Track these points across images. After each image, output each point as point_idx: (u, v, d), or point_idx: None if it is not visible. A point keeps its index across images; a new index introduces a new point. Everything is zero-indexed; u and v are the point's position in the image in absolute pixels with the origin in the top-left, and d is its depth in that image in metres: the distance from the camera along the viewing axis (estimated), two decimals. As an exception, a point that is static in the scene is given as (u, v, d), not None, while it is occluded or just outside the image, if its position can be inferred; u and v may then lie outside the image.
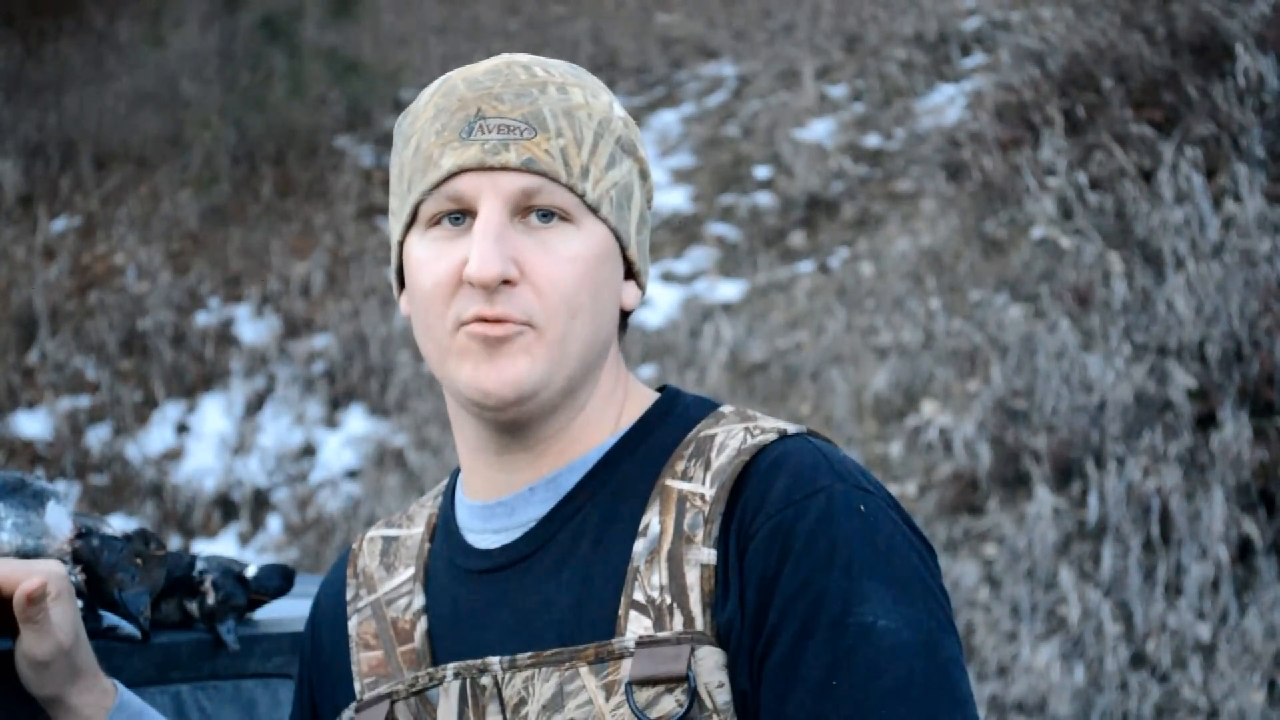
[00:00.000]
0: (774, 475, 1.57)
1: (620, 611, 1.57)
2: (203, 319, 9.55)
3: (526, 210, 1.61)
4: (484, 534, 1.67)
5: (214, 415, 9.05)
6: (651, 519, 1.59)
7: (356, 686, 1.71)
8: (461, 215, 1.61)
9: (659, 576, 1.57)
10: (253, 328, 9.46)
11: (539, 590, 1.61)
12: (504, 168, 1.59)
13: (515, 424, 1.63)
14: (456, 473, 1.75)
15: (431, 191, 1.62)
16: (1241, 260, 7.31)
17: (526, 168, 1.59)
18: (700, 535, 1.57)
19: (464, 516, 1.69)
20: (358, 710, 1.70)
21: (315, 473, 8.66)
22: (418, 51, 11.33)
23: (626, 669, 1.55)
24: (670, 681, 1.54)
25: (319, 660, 1.77)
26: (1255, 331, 7.00)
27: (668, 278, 8.86)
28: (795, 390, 7.93)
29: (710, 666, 1.54)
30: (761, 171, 9.38)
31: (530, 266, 1.59)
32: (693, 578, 1.56)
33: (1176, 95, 8.29)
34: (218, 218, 10.23)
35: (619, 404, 1.67)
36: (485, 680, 1.61)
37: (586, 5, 11.67)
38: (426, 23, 11.79)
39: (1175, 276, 7.38)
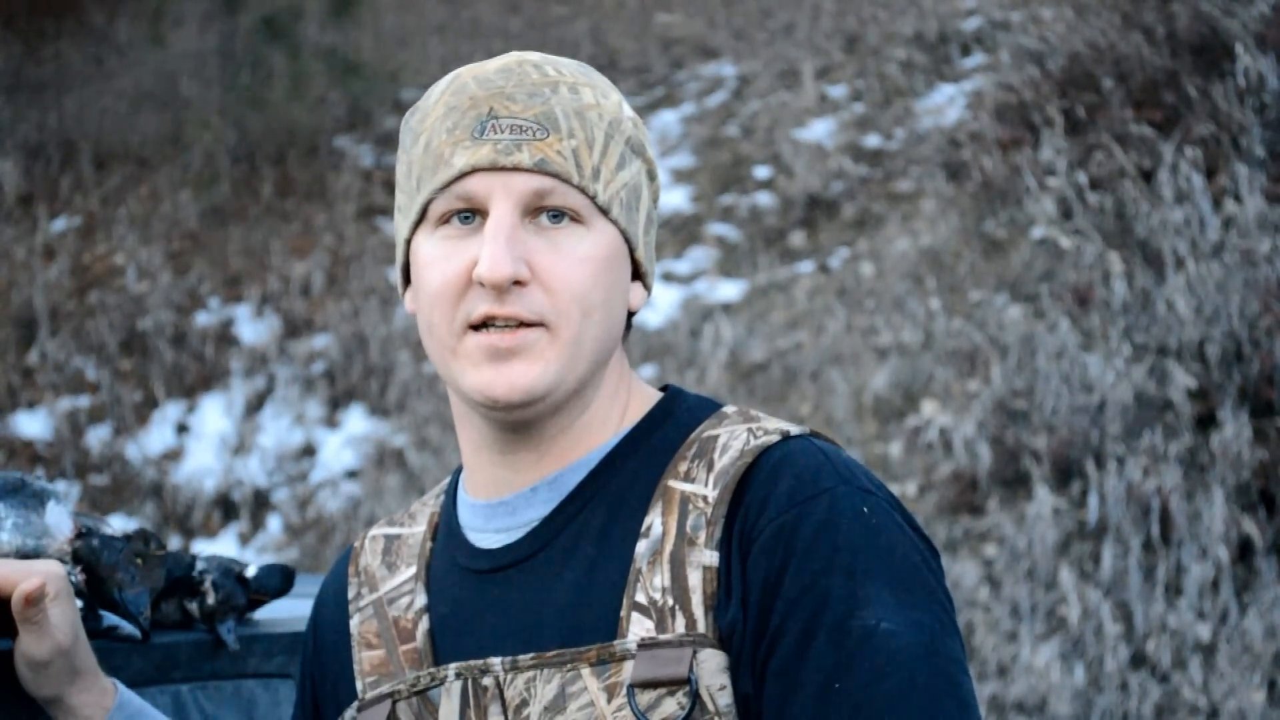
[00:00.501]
0: (777, 477, 1.57)
1: (622, 613, 1.57)
2: (203, 319, 9.55)
3: (537, 211, 1.60)
4: (486, 533, 1.66)
5: (214, 415, 9.05)
6: (654, 520, 1.59)
7: (358, 685, 1.71)
8: (471, 214, 1.61)
9: (661, 578, 1.57)
10: (253, 328, 9.46)
11: (541, 591, 1.61)
12: (516, 168, 1.59)
13: (521, 424, 1.63)
14: (458, 471, 1.74)
15: (442, 190, 1.61)
16: (1241, 260, 7.30)
17: (539, 168, 1.59)
18: (702, 537, 1.57)
19: (466, 515, 1.69)
20: (360, 709, 1.69)
21: (315, 473, 8.66)
22: (418, 51, 11.33)
23: (628, 671, 1.55)
24: (672, 684, 1.54)
25: (321, 659, 1.77)
26: (1255, 331, 7.00)
27: (668, 278, 8.86)
28: (795, 390, 7.93)
29: (712, 669, 1.54)
30: (761, 171, 9.38)
31: (541, 267, 1.59)
32: (695, 580, 1.56)
33: (1176, 95, 8.29)
34: (218, 218, 10.23)
35: (623, 404, 1.67)
36: (487, 681, 1.60)
37: (586, 5, 11.68)
38: (426, 23, 11.80)
39: (1175, 276, 7.38)
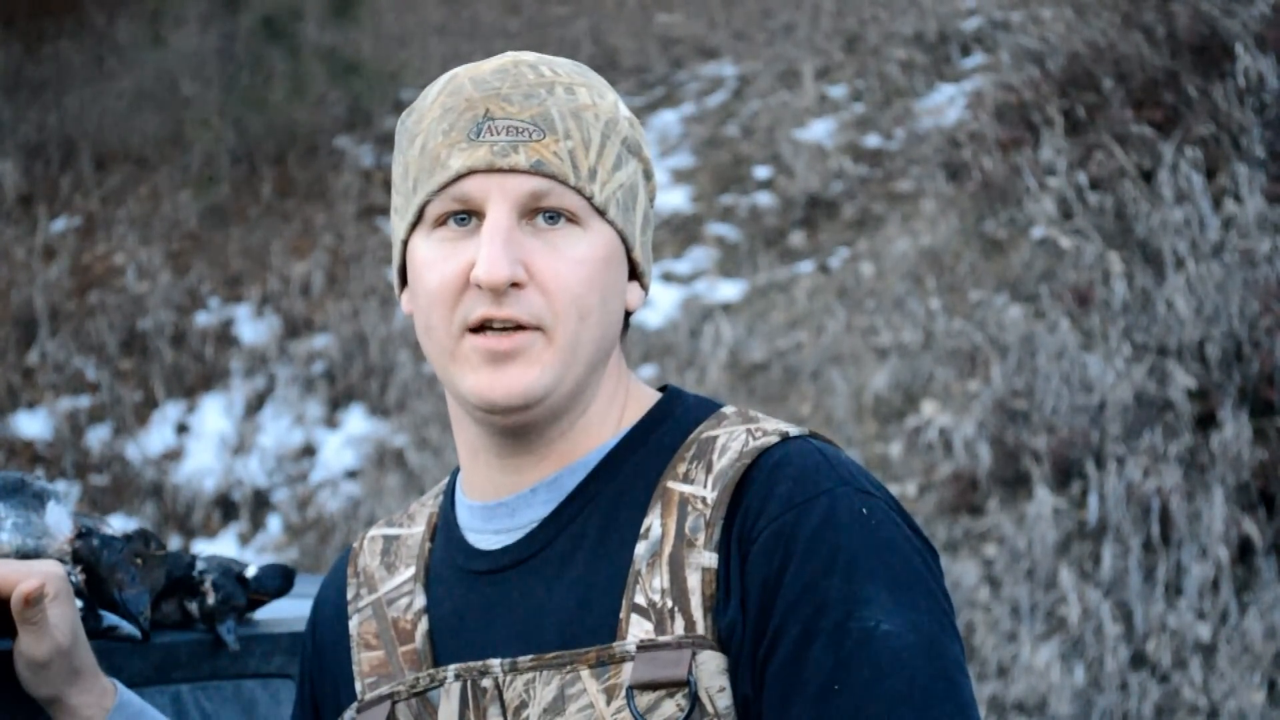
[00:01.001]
0: (776, 479, 1.56)
1: (622, 615, 1.56)
2: (203, 319, 9.55)
3: (533, 212, 1.60)
4: (485, 534, 1.66)
5: (214, 415, 9.05)
6: (653, 521, 1.59)
7: (357, 686, 1.70)
8: (468, 216, 1.61)
9: (660, 580, 1.56)
10: (253, 328, 9.46)
11: (540, 592, 1.61)
12: (512, 170, 1.59)
13: (519, 428, 1.62)
14: (457, 471, 1.74)
15: (439, 192, 1.61)
16: (1241, 260, 7.31)
17: (536, 170, 1.59)
18: (701, 539, 1.56)
19: (465, 517, 1.69)
20: (359, 710, 1.69)
21: (315, 473, 8.66)
22: (418, 51, 11.33)
23: (627, 673, 1.55)
24: (671, 686, 1.53)
25: (320, 659, 1.77)
26: (1255, 331, 7.00)
27: (668, 278, 8.86)
28: (795, 390, 7.93)
29: (711, 671, 1.54)
30: (761, 171, 9.38)
31: (538, 269, 1.59)
32: (694, 581, 1.56)
33: (1176, 95, 8.29)
34: (218, 218, 10.23)
35: (621, 405, 1.67)
36: (486, 682, 1.60)
37: (586, 5, 11.67)
38: (426, 23, 11.80)
39: (1175, 276, 7.38)
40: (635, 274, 1.67)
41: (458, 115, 1.61)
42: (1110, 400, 6.97)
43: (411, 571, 1.71)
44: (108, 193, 10.62)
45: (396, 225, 1.66)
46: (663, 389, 1.70)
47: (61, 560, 1.81)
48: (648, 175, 1.67)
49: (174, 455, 8.91)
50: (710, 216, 9.19)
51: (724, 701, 1.54)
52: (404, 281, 1.68)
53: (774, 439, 1.60)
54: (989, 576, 6.73)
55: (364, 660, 1.70)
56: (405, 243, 1.65)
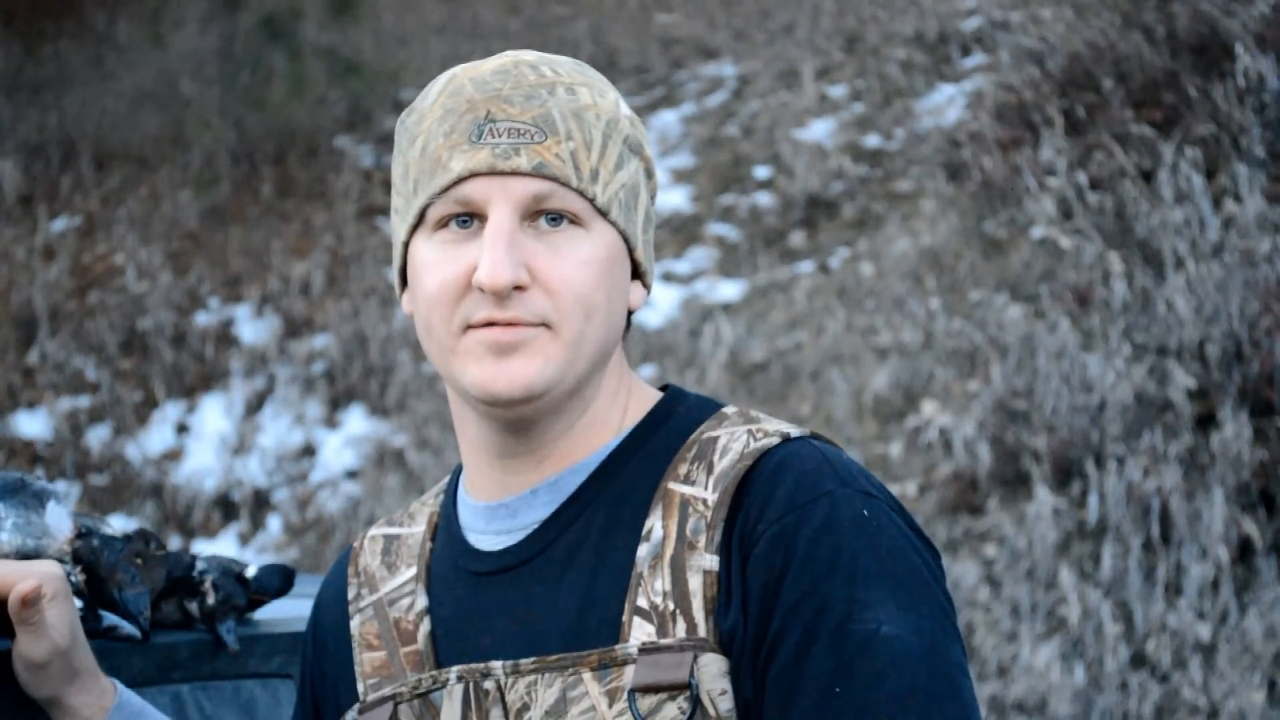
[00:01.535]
0: (776, 480, 1.56)
1: (624, 617, 1.56)
2: (203, 319, 9.55)
3: (536, 214, 1.60)
4: (486, 535, 1.66)
5: (214, 415, 9.05)
6: (654, 523, 1.59)
7: (359, 687, 1.70)
8: (469, 219, 1.60)
9: (662, 582, 1.56)
10: (253, 328, 9.47)
11: (542, 594, 1.60)
12: (514, 172, 1.58)
13: (521, 424, 1.62)
14: (458, 470, 1.73)
15: (440, 195, 1.60)
16: (1241, 260, 7.31)
17: (537, 172, 1.58)
18: (702, 541, 1.56)
19: (466, 517, 1.68)
20: (361, 711, 1.69)
21: (315, 473, 8.66)
22: (418, 51, 11.33)
23: (629, 676, 1.54)
24: (673, 689, 1.53)
25: (321, 660, 1.76)
26: (1255, 331, 7.00)
27: (668, 278, 8.86)
28: (795, 390, 7.93)
29: (713, 674, 1.54)
30: (761, 171, 9.38)
31: (541, 270, 1.58)
32: (695, 584, 1.55)
33: (1176, 95, 8.29)
34: (218, 218, 10.23)
35: (623, 405, 1.66)
36: (488, 684, 1.60)
37: (586, 5, 11.67)
38: (426, 23, 11.79)
39: (1175, 276, 7.38)
40: (638, 273, 1.67)
41: (459, 117, 1.60)
42: (1110, 400, 6.97)
43: (413, 572, 1.70)
44: (108, 193, 10.62)
45: (397, 226, 1.66)
46: (664, 388, 1.70)
47: (61, 560, 1.81)
48: (649, 174, 1.67)
49: (174, 455, 8.91)
50: (710, 216, 9.19)
51: (725, 704, 1.53)
52: (404, 282, 1.67)
53: (775, 440, 1.59)
54: (989, 576, 6.73)
55: (366, 661, 1.70)
56: (406, 244, 1.65)
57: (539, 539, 1.63)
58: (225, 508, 8.60)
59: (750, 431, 1.61)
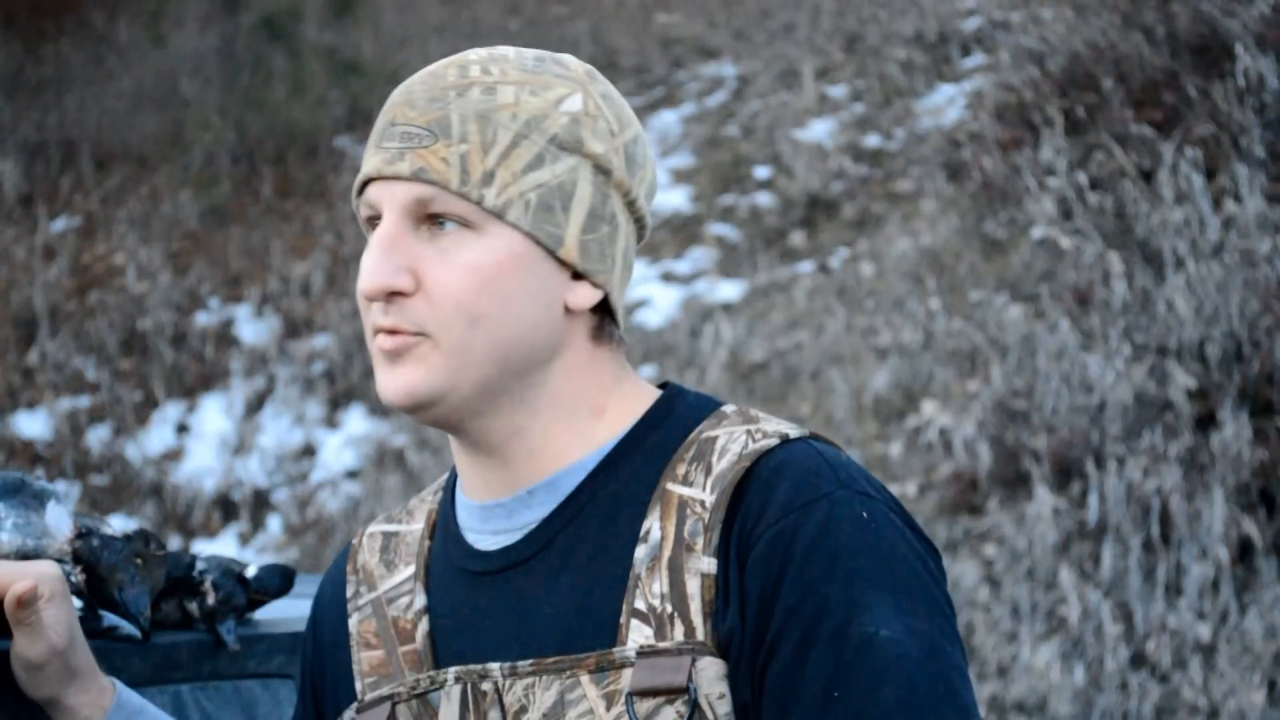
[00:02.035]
0: (775, 482, 1.55)
1: (622, 619, 1.55)
2: (203, 319, 9.55)
3: (429, 218, 1.59)
4: (483, 535, 1.65)
5: (214, 415, 9.05)
6: (652, 524, 1.58)
7: (357, 686, 1.69)
8: (380, 221, 1.62)
9: (660, 584, 1.55)
10: (253, 328, 9.47)
11: (540, 594, 1.60)
12: (396, 177, 1.59)
13: (456, 429, 1.62)
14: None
15: (358, 198, 1.63)
16: (1241, 260, 7.31)
17: (417, 177, 1.57)
18: (700, 544, 1.55)
19: (463, 516, 1.68)
20: (359, 711, 1.68)
21: (315, 473, 8.66)
22: (418, 51, 11.33)
23: (627, 679, 1.54)
24: (671, 693, 1.52)
25: (320, 657, 1.76)
26: (1255, 331, 7.00)
27: (668, 278, 8.87)
28: (795, 390, 7.94)
29: (711, 677, 1.53)
30: (761, 171, 9.38)
31: (426, 275, 1.58)
32: (693, 586, 1.54)
33: (1176, 95, 8.29)
34: (218, 218, 10.23)
35: (598, 405, 1.64)
36: (486, 686, 1.59)
37: (586, 5, 11.68)
38: (426, 23, 11.80)
39: (1175, 276, 7.39)
40: (582, 272, 1.62)
41: (380, 120, 1.63)
42: (1110, 400, 6.98)
43: (411, 570, 1.70)
44: (108, 193, 10.63)
45: None
46: (662, 385, 1.68)
47: (61, 560, 1.81)
48: (599, 169, 1.62)
49: (174, 455, 8.91)
50: (710, 216, 9.20)
51: (724, 708, 1.53)
52: None
53: (773, 441, 1.58)
54: (989, 576, 6.73)
55: (364, 660, 1.70)
56: None
57: (537, 539, 1.62)
58: (225, 508, 8.60)
59: (749, 432, 1.60)
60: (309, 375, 9.08)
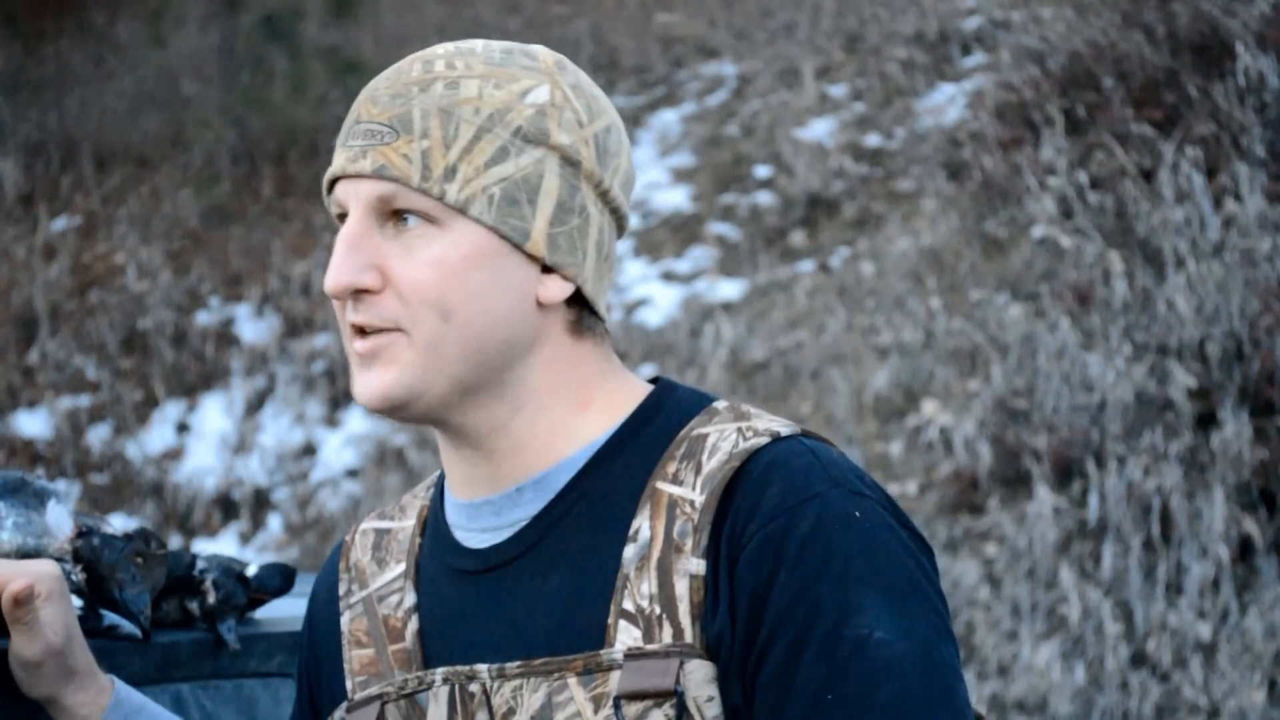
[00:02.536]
0: (766, 482, 1.53)
1: (610, 620, 1.54)
2: (203, 318, 9.56)
3: (394, 215, 1.58)
4: (472, 533, 1.63)
5: (214, 415, 9.05)
6: (642, 524, 1.56)
7: (348, 685, 1.68)
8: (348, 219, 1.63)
9: (649, 585, 1.54)
10: (253, 327, 9.47)
11: (529, 594, 1.59)
12: (359, 175, 1.58)
13: (437, 426, 1.62)
14: None
15: (328, 196, 1.63)
16: (1242, 260, 7.31)
17: (378, 174, 1.57)
18: (689, 544, 1.53)
19: (452, 514, 1.66)
20: (349, 710, 1.67)
21: (316, 472, 8.66)
22: (417, 51, 11.33)
23: (615, 681, 1.52)
24: (659, 696, 1.51)
25: (315, 656, 1.75)
26: (1255, 331, 7.00)
27: (668, 277, 8.87)
28: (795, 390, 7.94)
29: (700, 680, 1.51)
30: (761, 171, 9.38)
31: (393, 271, 1.57)
32: (682, 588, 1.53)
33: (1176, 95, 8.29)
34: (218, 217, 10.24)
35: (583, 400, 1.62)
36: (474, 687, 1.58)
37: (586, 5, 11.68)
38: (426, 23, 11.79)
39: (1175, 276, 7.39)
40: (553, 266, 1.60)
41: (348, 118, 1.62)
42: (1110, 400, 6.98)
43: (402, 568, 1.68)
44: (108, 192, 10.63)
45: None
46: (654, 380, 1.66)
47: (61, 560, 1.81)
48: (566, 161, 1.60)
49: (174, 454, 8.91)
50: (710, 216, 9.20)
51: (713, 711, 1.51)
52: None
53: (764, 439, 1.56)
54: (989, 576, 6.73)
55: (355, 658, 1.69)
56: None
57: (525, 537, 1.60)
58: (226, 507, 8.60)
59: (740, 429, 1.58)
60: (309, 374, 9.08)
